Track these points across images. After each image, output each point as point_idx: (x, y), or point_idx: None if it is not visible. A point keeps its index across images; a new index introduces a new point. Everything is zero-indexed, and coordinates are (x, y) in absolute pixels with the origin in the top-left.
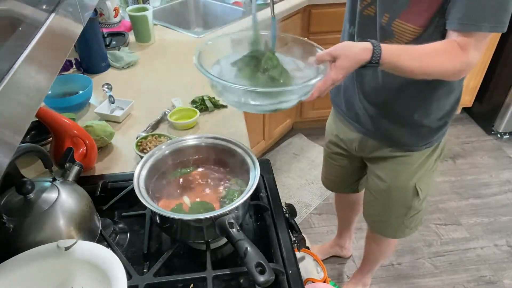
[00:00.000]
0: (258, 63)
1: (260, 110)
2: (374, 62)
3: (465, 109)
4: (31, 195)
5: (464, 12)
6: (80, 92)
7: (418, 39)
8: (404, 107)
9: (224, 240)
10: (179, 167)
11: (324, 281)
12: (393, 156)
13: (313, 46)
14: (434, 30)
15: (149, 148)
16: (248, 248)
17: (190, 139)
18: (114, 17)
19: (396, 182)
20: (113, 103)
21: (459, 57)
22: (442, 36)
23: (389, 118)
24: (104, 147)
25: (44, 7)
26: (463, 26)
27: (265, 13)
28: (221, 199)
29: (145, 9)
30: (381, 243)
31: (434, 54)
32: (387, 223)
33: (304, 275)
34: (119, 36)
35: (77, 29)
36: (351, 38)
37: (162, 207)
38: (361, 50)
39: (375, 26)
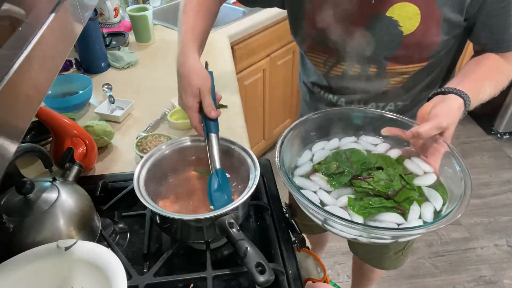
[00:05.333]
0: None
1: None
2: (465, 112)
3: None
4: (31, 195)
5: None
6: (80, 92)
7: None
8: None
9: (224, 240)
10: (179, 167)
11: (324, 281)
12: None
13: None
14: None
15: (149, 148)
16: (248, 248)
17: (190, 139)
18: (114, 17)
19: None
20: (113, 103)
21: None
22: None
23: None
24: (104, 147)
25: (44, 7)
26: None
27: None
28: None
29: (145, 9)
30: (374, 271)
31: (498, 70)
32: (386, 259)
33: (304, 275)
34: (119, 36)
35: (77, 29)
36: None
37: (162, 207)
38: (458, 109)
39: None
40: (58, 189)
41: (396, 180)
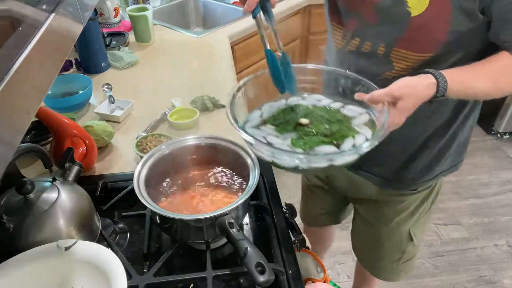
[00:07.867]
0: (293, 114)
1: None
2: (439, 95)
3: None
4: (31, 195)
5: None
6: (80, 92)
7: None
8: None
9: (224, 240)
10: (179, 167)
11: (324, 281)
12: (384, 200)
13: (359, 83)
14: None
15: (149, 148)
16: (248, 248)
17: (190, 139)
18: (114, 17)
19: (389, 228)
20: (113, 103)
21: None
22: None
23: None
24: (104, 147)
25: (44, 7)
26: None
27: None
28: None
29: (145, 9)
30: (373, 279)
31: (506, 71)
32: (381, 268)
33: (304, 275)
34: (119, 36)
35: (77, 29)
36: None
37: (162, 207)
38: (424, 87)
39: (368, 60)
40: (58, 189)
41: (334, 122)
